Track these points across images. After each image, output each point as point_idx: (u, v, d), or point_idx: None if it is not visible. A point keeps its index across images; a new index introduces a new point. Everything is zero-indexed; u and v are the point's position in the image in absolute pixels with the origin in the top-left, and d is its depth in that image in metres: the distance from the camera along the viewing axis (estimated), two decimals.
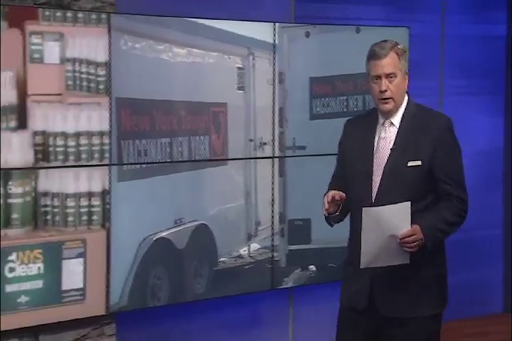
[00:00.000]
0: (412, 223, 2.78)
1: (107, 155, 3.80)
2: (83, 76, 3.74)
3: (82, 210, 3.76)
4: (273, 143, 4.33)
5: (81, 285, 3.75)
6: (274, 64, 4.29)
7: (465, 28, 5.15)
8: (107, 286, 3.82)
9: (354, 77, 4.44)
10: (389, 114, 2.91)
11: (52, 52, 3.65)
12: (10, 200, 3.57)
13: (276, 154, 4.34)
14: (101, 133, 3.79)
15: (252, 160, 4.29)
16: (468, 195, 2.91)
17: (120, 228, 3.84)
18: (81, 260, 3.75)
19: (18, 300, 3.59)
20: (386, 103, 2.87)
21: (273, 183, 4.35)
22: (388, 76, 2.85)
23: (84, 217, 3.77)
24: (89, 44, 3.75)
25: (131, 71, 3.86)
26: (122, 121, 3.84)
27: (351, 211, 2.93)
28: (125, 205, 3.86)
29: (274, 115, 4.33)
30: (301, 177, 4.38)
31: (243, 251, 4.28)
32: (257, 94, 4.30)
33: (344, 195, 2.84)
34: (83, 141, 3.75)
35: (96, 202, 3.79)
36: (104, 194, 3.80)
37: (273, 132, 4.33)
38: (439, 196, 2.88)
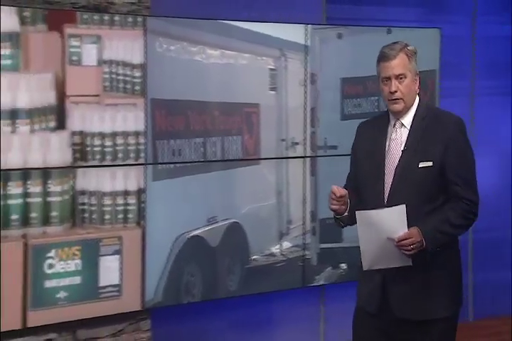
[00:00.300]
0: (419, 224, 2.76)
1: (142, 154, 3.87)
2: (120, 77, 3.81)
3: (118, 208, 3.83)
4: (304, 143, 4.37)
5: (117, 282, 3.82)
6: (306, 65, 4.34)
7: (496, 29, 5.14)
8: (143, 283, 3.89)
9: None
10: (399, 115, 2.89)
11: (90, 54, 3.73)
12: (49, 199, 3.65)
13: (308, 154, 4.39)
14: (136, 133, 3.85)
15: (284, 159, 4.33)
16: (479, 196, 2.85)
17: (155, 226, 3.90)
18: (117, 257, 3.82)
19: (57, 296, 3.67)
20: (396, 103, 2.86)
21: (304, 182, 4.40)
22: (398, 77, 2.84)
23: (121, 215, 3.84)
24: (125, 46, 3.82)
25: (166, 72, 3.92)
26: (157, 121, 3.91)
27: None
28: (160, 204, 3.92)
29: (305, 115, 4.37)
30: (332, 176, 4.39)
31: (275, 249, 4.32)
32: (289, 94, 4.34)
33: (344, 191, 2.83)
34: (119, 140, 3.81)
35: (132, 200, 3.86)
36: (140, 193, 3.87)
37: (305, 132, 4.38)
38: (449, 197, 2.84)
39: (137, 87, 3.84)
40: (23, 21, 3.53)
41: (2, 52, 3.48)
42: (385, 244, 2.76)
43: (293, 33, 4.29)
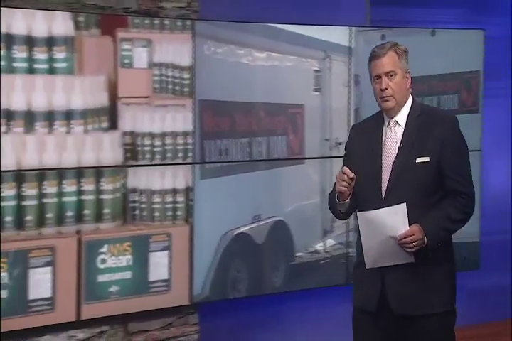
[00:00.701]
0: (418, 220, 2.77)
1: (190, 154, 3.97)
2: (169, 79, 3.91)
3: (167, 206, 3.94)
4: None
5: (166, 277, 3.93)
6: (350, 66, 4.40)
7: None
8: (191, 278, 3.99)
9: (428, 78, 4.51)
10: (392, 113, 2.88)
11: (140, 57, 3.84)
12: (102, 196, 3.78)
13: None
14: (185, 134, 3.96)
15: (328, 159, 4.38)
16: (475, 191, 2.88)
17: (202, 223, 4.00)
18: (166, 253, 3.93)
19: (110, 290, 3.80)
20: (387, 100, 2.85)
21: None
22: (388, 74, 2.84)
23: (169, 213, 3.95)
24: (174, 49, 3.92)
25: (214, 74, 4.01)
26: (205, 121, 4.00)
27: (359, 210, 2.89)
28: (207, 202, 4.02)
29: (349, 116, 4.43)
30: None
31: (319, 246, 4.38)
32: (332, 95, 4.40)
33: (353, 174, 2.80)
34: (168, 140, 3.92)
35: (180, 198, 3.97)
36: (188, 191, 3.98)
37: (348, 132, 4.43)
38: (446, 192, 2.84)
39: (186, 89, 3.95)
40: (77, 26, 3.65)
41: (58, 56, 3.60)
42: (388, 242, 2.78)
43: (337, 35, 4.35)
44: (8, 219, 3.53)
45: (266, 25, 4.17)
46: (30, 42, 3.54)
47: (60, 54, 3.61)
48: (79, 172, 3.70)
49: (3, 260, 3.51)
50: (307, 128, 4.33)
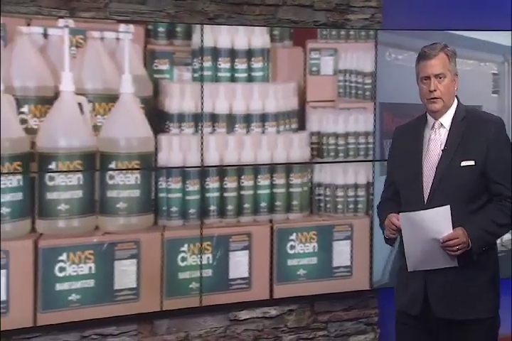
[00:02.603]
0: (463, 225, 2.68)
1: (370, 152, 4.26)
2: (352, 85, 4.22)
3: (349, 199, 4.26)
4: None
5: (348, 263, 4.26)
6: None
7: None
8: (371, 265, 4.28)
9: None
10: (438, 115, 2.83)
11: (327, 65, 4.17)
12: (291, 189, 4.17)
13: None
14: (366, 134, 4.25)
15: None
16: None
17: None
18: (349, 242, 4.26)
19: (298, 273, 4.18)
20: (435, 102, 2.80)
21: None
22: (437, 76, 2.79)
23: (351, 205, 4.27)
24: (358, 57, 4.22)
25: (394, 79, 4.25)
26: (385, 122, 4.25)
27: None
28: None
29: None
30: None
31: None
32: (511, 97, 4.49)
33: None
34: (351, 140, 4.24)
35: (361, 192, 4.27)
36: (368, 186, 4.27)
37: None
38: (492, 197, 2.78)
39: (367, 93, 4.23)
40: (272, 39, 4.06)
41: (255, 66, 4.02)
42: (430, 244, 2.69)
43: None
44: (212, 208, 4.02)
45: (445, 32, 4.33)
46: (232, 54, 3.99)
47: (257, 64, 4.04)
48: (272, 168, 4.11)
49: (208, 243, 4.02)
50: None
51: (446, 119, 2.86)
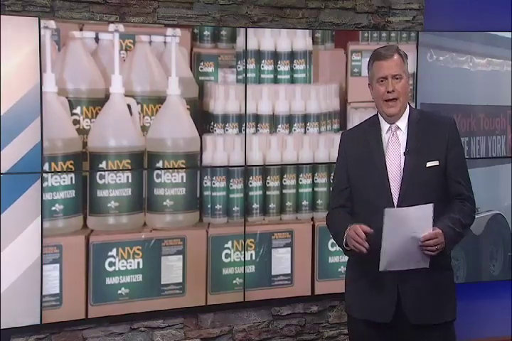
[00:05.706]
0: (437, 225, 2.63)
1: None
2: None
3: None
4: None
5: None
6: None
7: None
8: None
9: None
10: (394, 118, 2.80)
11: None
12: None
13: None
14: None
15: None
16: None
17: None
18: None
19: (339, 270, 4.23)
20: (392, 106, 2.76)
21: None
22: (394, 77, 2.76)
23: None
24: None
25: (434, 80, 4.31)
26: None
27: (365, 219, 2.71)
28: None
29: None
30: None
31: None
32: None
33: (368, 228, 2.64)
34: None
35: None
36: None
37: None
38: (451, 196, 2.77)
39: (409, 94, 4.28)
40: (314, 41, 4.15)
41: (297, 68, 4.12)
42: (408, 243, 2.61)
43: None
44: (255, 206, 4.14)
45: (486, 33, 4.41)
46: (275, 56, 4.11)
47: (299, 66, 4.14)
48: (313, 167, 4.21)
49: (251, 240, 4.13)
50: None
51: (403, 122, 2.83)
